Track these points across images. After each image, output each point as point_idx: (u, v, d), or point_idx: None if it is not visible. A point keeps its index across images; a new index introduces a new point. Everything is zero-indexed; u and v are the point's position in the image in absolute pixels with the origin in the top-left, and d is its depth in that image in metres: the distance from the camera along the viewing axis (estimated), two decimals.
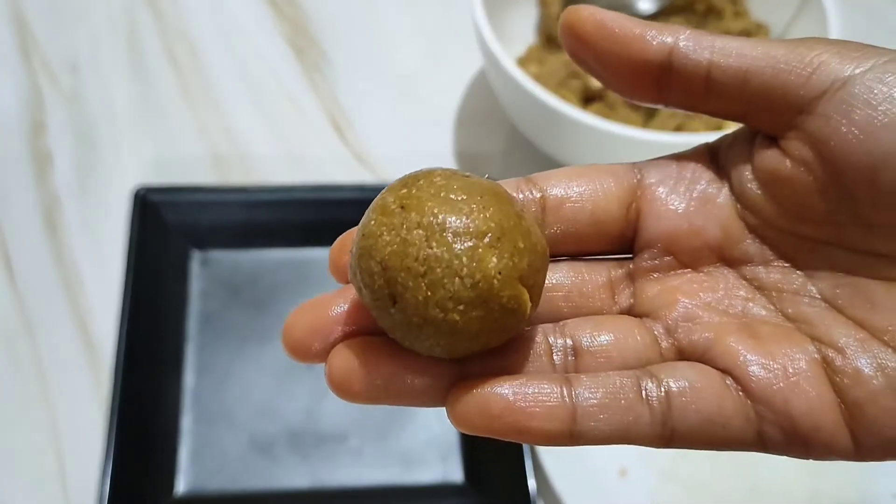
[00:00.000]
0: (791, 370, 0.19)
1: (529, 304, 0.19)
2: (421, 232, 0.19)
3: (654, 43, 0.21)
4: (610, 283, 0.22)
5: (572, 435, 0.19)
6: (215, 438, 0.45)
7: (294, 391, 0.47)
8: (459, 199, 0.19)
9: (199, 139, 0.57)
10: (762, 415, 0.19)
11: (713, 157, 0.22)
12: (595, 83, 0.52)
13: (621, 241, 0.22)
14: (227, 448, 0.45)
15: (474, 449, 0.45)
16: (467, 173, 0.20)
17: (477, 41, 0.49)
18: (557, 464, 0.43)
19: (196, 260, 0.51)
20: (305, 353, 0.20)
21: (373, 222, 0.20)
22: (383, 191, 0.20)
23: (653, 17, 0.55)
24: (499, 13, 0.50)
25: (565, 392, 0.19)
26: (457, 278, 0.18)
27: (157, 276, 0.48)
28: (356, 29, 0.63)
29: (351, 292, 0.20)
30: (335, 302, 0.20)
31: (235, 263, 0.51)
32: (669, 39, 0.21)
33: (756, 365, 0.19)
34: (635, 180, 0.22)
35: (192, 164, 0.55)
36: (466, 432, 0.19)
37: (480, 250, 0.19)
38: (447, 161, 0.57)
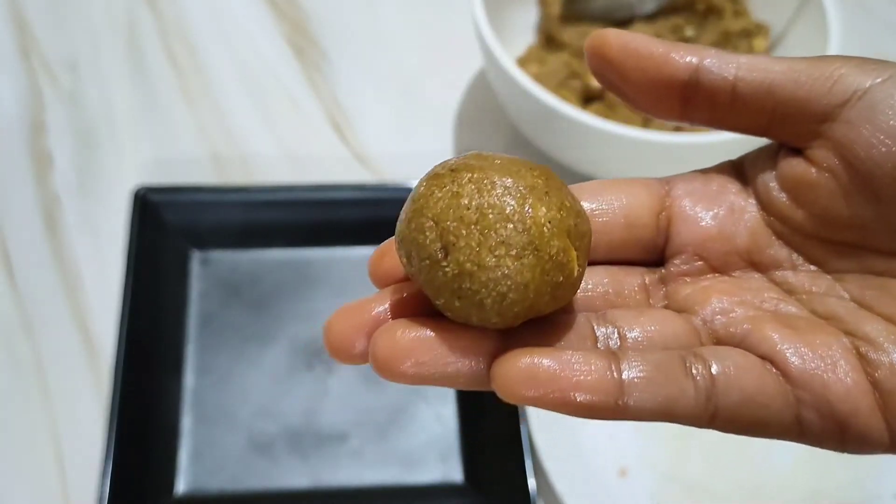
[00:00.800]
0: (828, 358, 0.20)
1: (577, 265, 0.20)
2: (472, 186, 0.20)
3: (680, 61, 0.21)
4: (644, 285, 0.23)
5: (617, 407, 0.19)
6: (215, 438, 0.45)
7: (294, 391, 0.47)
8: (506, 163, 0.20)
9: (199, 139, 0.57)
10: (801, 398, 0.19)
11: (738, 172, 0.23)
12: (595, 83, 0.52)
13: (653, 249, 0.23)
14: (227, 448, 0.45)
15: (474, 449, 0.45)
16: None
17: (477, 41, 0.49)
18: (557, 464, 0.43)
19: (196, 260, 0.51)
20: (348, 352, 0.20)
21: (422, 187, 0.20)
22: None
23: (653, 17, 0.55)
24: (499, 13, 0.50)
25: (612, 365, 0.19)
26: (509, 223, 0.19)
27: (157, 276, 0.48)
28: (356, 29, 0.63)
29: (390, 294, 0.21)
30: (376, 302, 0.21)
31: (235, 263, 0.51)
32: (695, 58, 0.21)
33: (794, 352, 0.20)
34: (664, 191, 0.23)
35: (192, 164, 0.55)
36: (511, 401, 0.19)
37: (531, 199, 0.19)
38: None
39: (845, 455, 0.20)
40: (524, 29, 0.57)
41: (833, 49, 0.48)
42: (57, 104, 0.57)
